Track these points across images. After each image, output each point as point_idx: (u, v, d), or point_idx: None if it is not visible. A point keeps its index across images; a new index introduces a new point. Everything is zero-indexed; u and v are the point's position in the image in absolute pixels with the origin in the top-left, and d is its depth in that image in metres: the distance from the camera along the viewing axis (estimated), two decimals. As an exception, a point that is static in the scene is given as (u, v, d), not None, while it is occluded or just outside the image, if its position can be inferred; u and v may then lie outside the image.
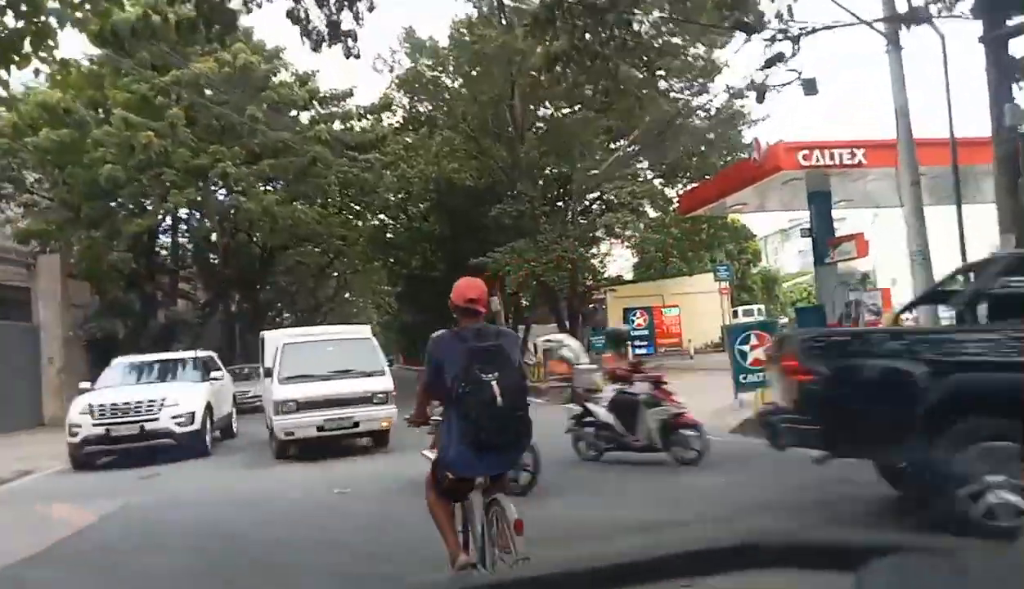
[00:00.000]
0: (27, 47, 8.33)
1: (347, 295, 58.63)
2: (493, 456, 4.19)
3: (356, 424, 12.04)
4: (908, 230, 12.04)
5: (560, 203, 25.82)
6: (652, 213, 29.58)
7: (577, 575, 0.85)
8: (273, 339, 14.42)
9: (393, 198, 25.03)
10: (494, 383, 4.00)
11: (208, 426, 13.67)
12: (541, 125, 25.55)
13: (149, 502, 9.44)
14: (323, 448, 12.07)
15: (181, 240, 33.85)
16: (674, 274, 40.92)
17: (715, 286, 39.33)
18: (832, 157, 21.65)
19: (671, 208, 29.78)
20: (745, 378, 14.19)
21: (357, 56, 7.98)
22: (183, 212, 31.16)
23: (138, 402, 12.91)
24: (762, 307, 50.86)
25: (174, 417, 12.83)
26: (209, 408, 13.78)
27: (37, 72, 8.84)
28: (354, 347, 13.43)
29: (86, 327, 23.30)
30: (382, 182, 23.87)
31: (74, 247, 22.10)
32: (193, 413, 13.10)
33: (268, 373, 13.05)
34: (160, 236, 31.20)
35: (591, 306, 29.76)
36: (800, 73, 12.19)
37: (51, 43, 8.44)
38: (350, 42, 7.94)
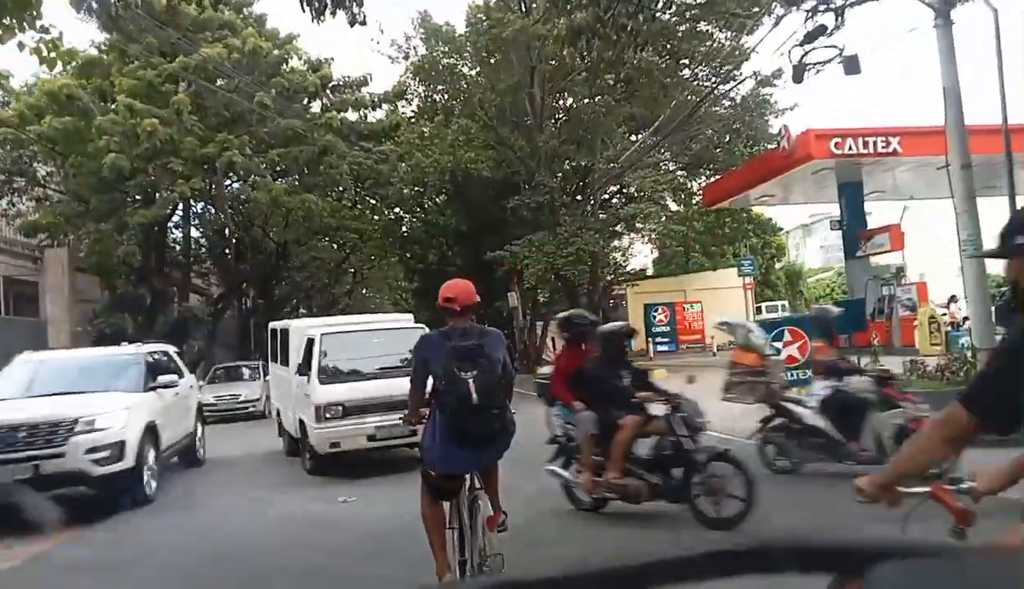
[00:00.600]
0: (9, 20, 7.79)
1: (364, 291, 58.25)
2: (472, 453, 4.34)
3: (413, 431, 8.87)
4: (957, 218, 11.15)
5: (580, 195, 24.96)
6: (673, 206, 28.72)
7: (580, 578, 0.84)
8: (300, 329, 11.84)
9: (408, 190, 24.24)
10: (471, 381, 4.10)
11: (150, 459, 9.08)
12: (561, 114, 24.69)
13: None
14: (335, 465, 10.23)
15: (194, 234, 33.42)
16: (695, 269, 40.02)
17: (738, 281, 38.45)
18: (866, 145, 20.72)
19: (693, 201, 28.91)
20: (779, 376, 13.44)
21: (363, 23, 7.26)
22: (198, 206, 30.81)
23: (33, 426, 8.07)
24: (786, 303, 49.80)
25: (90, 450, 8.11)
26: (152, 431, 9.26)
27: (21, 46, 8.27)
28: (403, 338, 10.50)
29: (95, 323, 22.82)
30: (396, 172, 23.16)
31: (82, 240, 21.60)
32: (121, 443, 8.39)
33: (302, 370, 10.56)
34: (174, 231, 30.77)
35: (611, 302, 28.86)
36: (842, 50, 11.38)
37: (34, 13, 7.87)
38: (355, 8, 7.22)
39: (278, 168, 20.30)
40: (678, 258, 36.65)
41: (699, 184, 29.42)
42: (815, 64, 11.36)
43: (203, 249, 33.68)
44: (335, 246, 39.34)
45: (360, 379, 10.24)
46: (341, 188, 22.82)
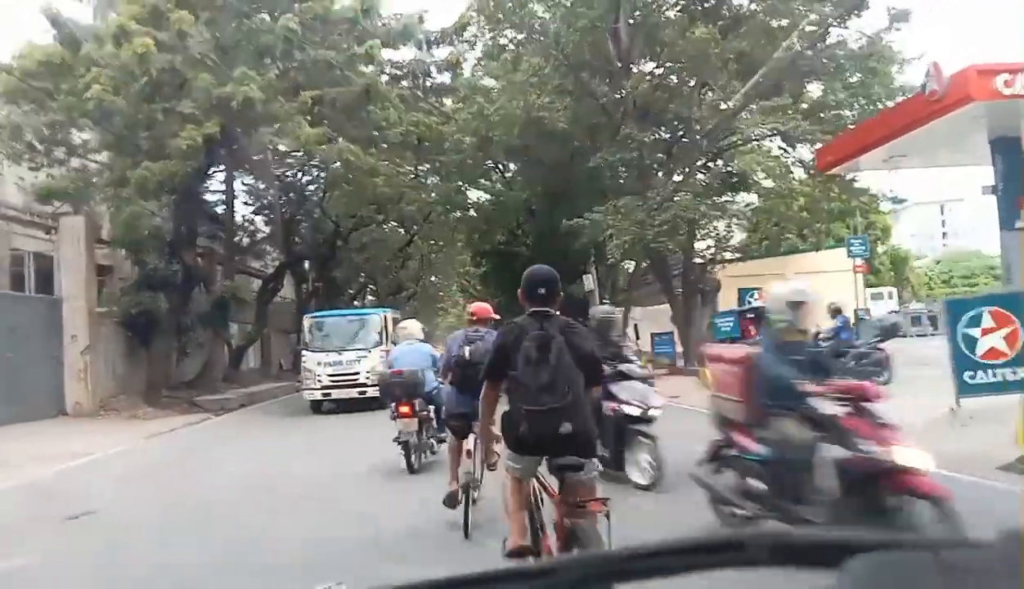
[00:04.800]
0: None
1: (432, 278, 56.36)
2: (470, 397, 5.90)
3: None
4: None
5: (673, 153, 20.82)
6: (767, 184, 24.59)
7: (550, 571, 0.84)
8: None
9: (470, 145, 20.61)
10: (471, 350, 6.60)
11: None
12: (652, 55, 20.64)
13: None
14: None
15: (247, 209, 30.98)
16: (788, 251, 35.71)
17: (845, 263, 34.05)
18: (1044, 84, 16.45)
19: (791, 175, 24.79)
20: (973, 377, 9.65)
21: None
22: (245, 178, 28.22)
23: None
24: (893, 290, 44.86)
25: None
26: None
27: None
28: None
29: (121, 301, 20.29)
30: (455, 120, 19.74)
31: (100, 207, 19.04)
32: None
33: None
34: (219, 205, 28.26)
35: (701, 285, 24.20)
36: None
37: None
38: None
39: (314, 111, 17.03)
40: (772, 238, 32.35)
41: (796, 155, 25.21)
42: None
43: (253, 226, 31.25)
44: (401, 231, 36.85)
45: None
46: (387, 138, 19.31)
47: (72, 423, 17.08)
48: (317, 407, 18.11)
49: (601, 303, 31.91)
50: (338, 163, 17.38)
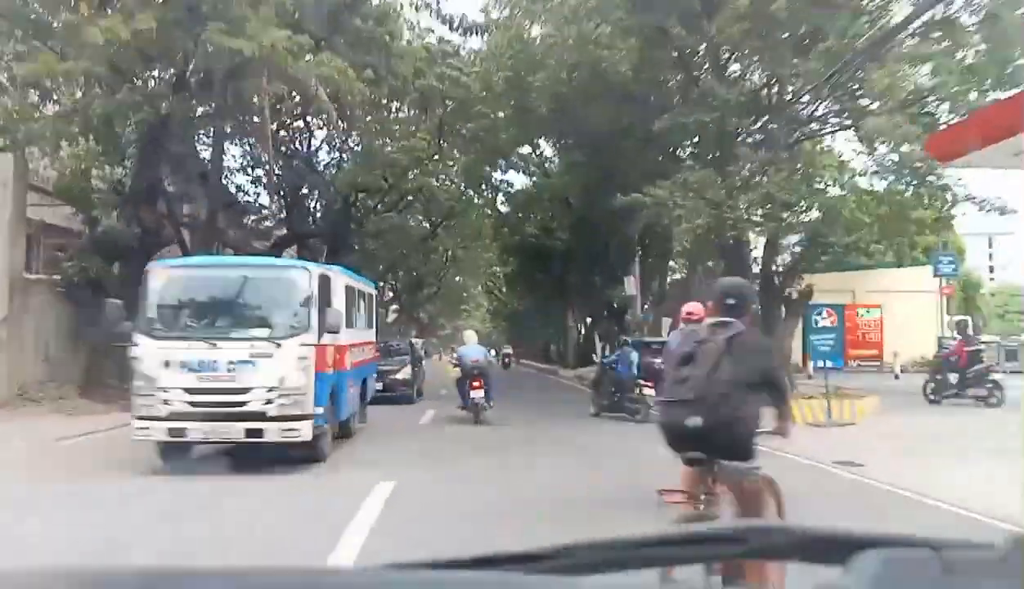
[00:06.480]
0: None
1: (457, 279, 53.50)
2: None
3: None
4: None
5: (761, 119, 16.33)
6: (834, 191, 20.20)
7: (557, 557, 0.83)
8: None
9: (501, 76, 16.58)
10: None
11: None
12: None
13: None
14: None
15: (242, 182, 27.38)
16: (859, 266, 31.46)
17: (928, 284, 29.85)
18: None
19: (851, 177, 20.28)
20: None
21: None
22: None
23: None
24: (968, 319, 40.17)
25: None
26: None
27: None
28: None
29: (63, 268, 16.57)
30: (487, 53, 15.83)
31: (43, 146, 15.35)
32: None
33: None
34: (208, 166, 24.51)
35: (788, 289, 19.31)
36: None
37: None
38: None
39: (296, 18, 13.16)
40: (833, 250, 27.94)
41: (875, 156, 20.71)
42: None
43: (253, 197, 27.67)
44: (427, 225, 33.74)
45: None
46: (396, 70, 15.28)
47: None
48: (168, 454, 9.23)
49: (642, 311, 27.86)
50: (317, 88, 13.32)
